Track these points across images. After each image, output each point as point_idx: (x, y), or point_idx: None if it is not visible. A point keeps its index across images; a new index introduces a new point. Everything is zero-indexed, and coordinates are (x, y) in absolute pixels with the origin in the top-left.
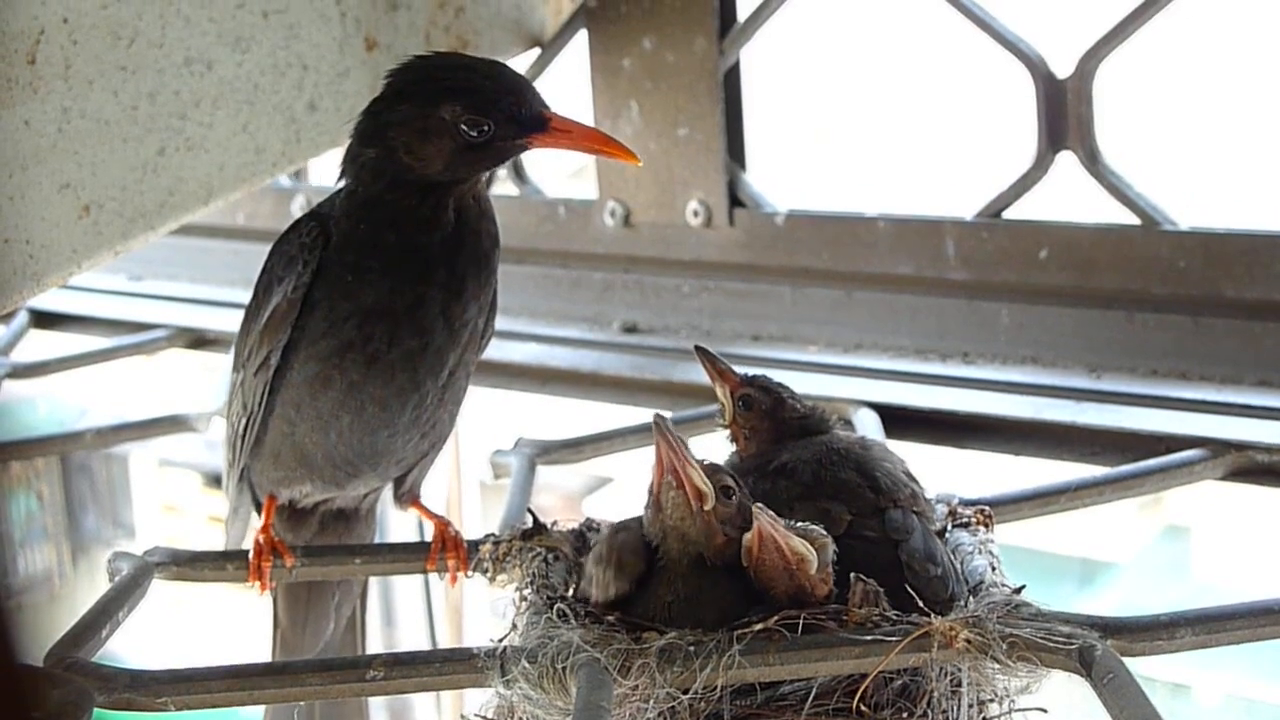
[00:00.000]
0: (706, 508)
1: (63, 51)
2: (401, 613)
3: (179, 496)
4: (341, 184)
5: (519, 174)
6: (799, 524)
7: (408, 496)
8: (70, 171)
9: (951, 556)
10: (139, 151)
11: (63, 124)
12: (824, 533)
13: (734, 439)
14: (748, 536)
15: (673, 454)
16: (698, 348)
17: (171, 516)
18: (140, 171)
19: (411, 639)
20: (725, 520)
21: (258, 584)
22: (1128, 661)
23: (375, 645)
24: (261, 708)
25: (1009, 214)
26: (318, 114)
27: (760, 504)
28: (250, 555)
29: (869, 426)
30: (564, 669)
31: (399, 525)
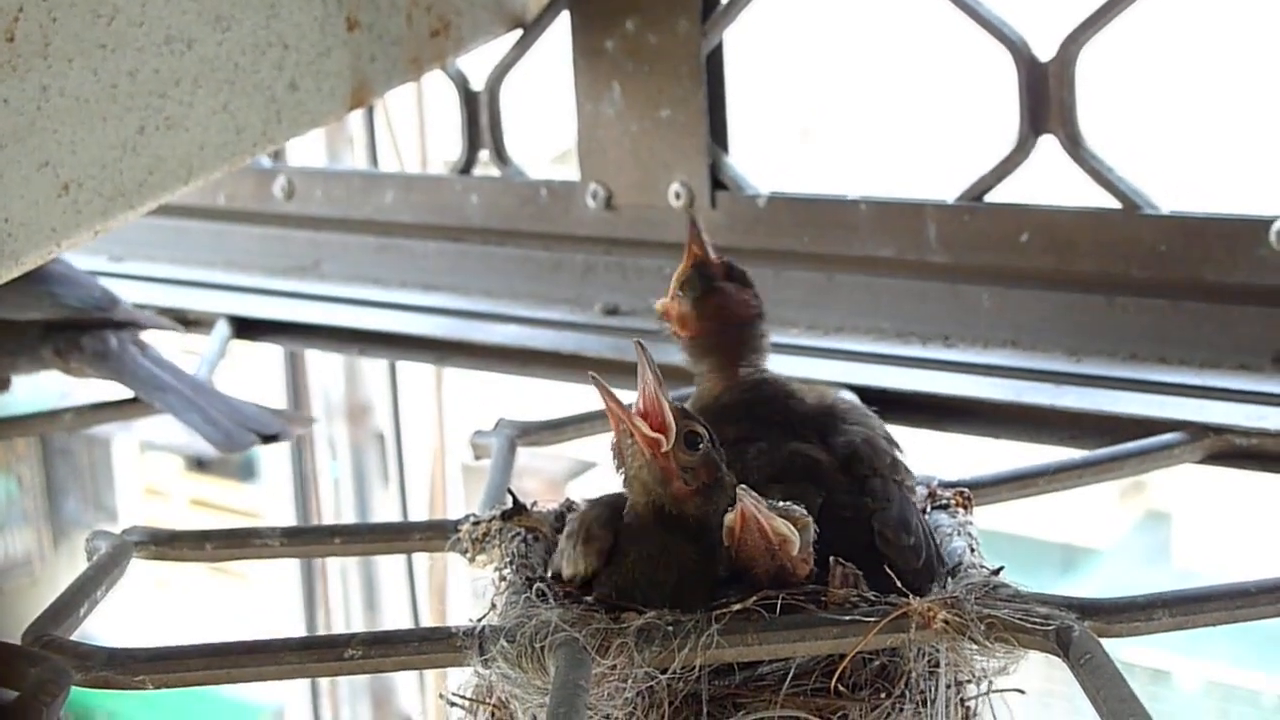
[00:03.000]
0: (664, 449)
1: (42, 29)
2: (384, 595)
3: (161, 479)
4: None
5: (501, 156)
6: (781, 504)
7: None
8: (49, 150)
9: (930, 530)
10: (119, 130)
11: (41, 102)
12: (805, 513)
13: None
14: (730, 517)
15: (645, 378)
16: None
17: (153, 499)
18: (120, 150)
19: (394, 621)
20: (686, 468)
21: None
22: (1105, 643)
23: (358, 627)
24: (240, 685)
25: (990, 197)
26: (299, 93)
27: (744, 485)
28: None
29: None
30: (542, 648)
31: (381, 506)
